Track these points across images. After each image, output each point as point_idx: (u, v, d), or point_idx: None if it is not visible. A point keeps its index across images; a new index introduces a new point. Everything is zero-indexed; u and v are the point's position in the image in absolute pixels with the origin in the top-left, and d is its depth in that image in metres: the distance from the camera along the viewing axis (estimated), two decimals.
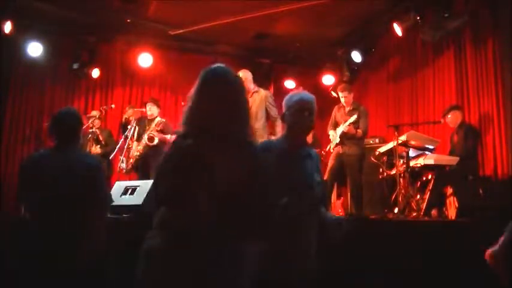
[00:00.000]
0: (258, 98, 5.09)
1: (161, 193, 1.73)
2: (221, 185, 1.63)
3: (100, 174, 2.74)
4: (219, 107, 1.72)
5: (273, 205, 1.80)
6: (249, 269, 1.70)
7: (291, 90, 8.00)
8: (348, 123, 5.42)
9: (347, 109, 5.66)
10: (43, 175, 2.60)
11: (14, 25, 6.16)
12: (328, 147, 5.82)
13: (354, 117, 5.40)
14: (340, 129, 5.52)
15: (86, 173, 2.63)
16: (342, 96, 5.68)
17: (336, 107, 5.87)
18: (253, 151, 1.78)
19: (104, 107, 6.81)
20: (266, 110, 5.13)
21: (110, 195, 2.95)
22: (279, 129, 4.97)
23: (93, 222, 2.60)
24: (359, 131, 5.43)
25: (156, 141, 5.81)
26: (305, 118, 2.32)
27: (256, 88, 5.17)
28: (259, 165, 1.73)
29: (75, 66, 7.12)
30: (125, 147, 5.82)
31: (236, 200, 1.64)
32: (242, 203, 1.65)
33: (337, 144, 5.57)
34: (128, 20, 6.71)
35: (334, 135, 5.64)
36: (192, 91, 1.80)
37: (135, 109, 6.23)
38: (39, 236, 2.54)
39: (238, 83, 1.82)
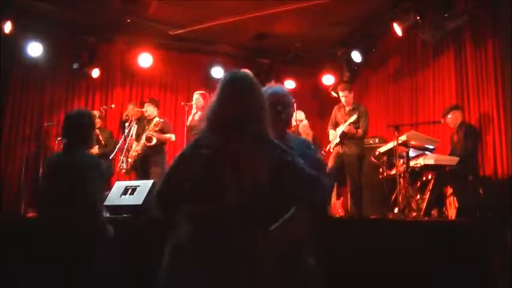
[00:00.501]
0: None
1: (185, 188, 1.77)
2: (246, 179, 1.70)
3: (93, 175, 2.71)
4: (242, 105, 1.83)
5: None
6: (274, 264, 1.73)
7: (291, 90, 8.01)
8: (348, 123, 5.42)
9: (347, 109, 5.66)
10: (49, 175, 2.73)
11: (14, 25, 6.16)
12: (328, 147, 5.82)
13: (354, 117, 5.41)
14: (341, 129, 5.52)
15: (83, 173, 2.65)
16: (342, 96, 5.68)
17: (336, 106, 5.87)
18: (274, 146, 1.82)
19: (104, 107, 6.82)
20: None
21: (99, 198, 2.87)
22: None
23: (84, 222, 2.62)
24: (359, 130, 5.43)
25: (154, 141, 5.82)
26: (278, 113, 2.20)
27: None
28: (282, 159, 1.77)
29: (75, 66, 7.12)
30: (125, 147, 5.83)
31: (261, 194, 1.70)
32: (267, 197, 1.70)
33: (337, 144, 5.57)
34: (128, 20, 6.71)
35: (335, 135, 5.64)
36: (216, 91, 1.90)
37: (136, 109, 6.24)
38: (39, 235, 2.58)
39: (258, 86, 1.93)
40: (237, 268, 1.65)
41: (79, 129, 2.78)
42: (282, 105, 2.22)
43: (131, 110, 6.26)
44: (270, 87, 2.29)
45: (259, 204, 1.70)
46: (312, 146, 2.36)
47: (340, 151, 5.53)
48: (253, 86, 1.90)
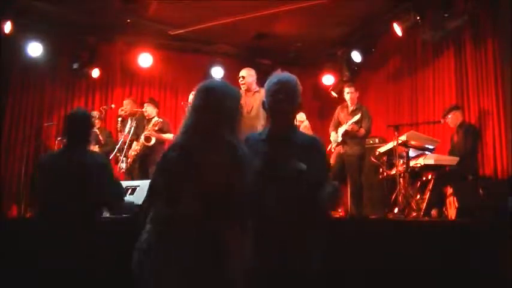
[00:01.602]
0: (258, 98, 5.09)
1: (153, 191, 1.95)
2: (205, 180, 1.82)
3: (106, 172, 2.78)
4: (205, 113, 1.96)
5: (250, 195, 1.88)
6: (236, 260, 1.79)
7: None
8: (351, 122, 5.43)
9: (350, 109, 5.66)
10: (51, 173, 2.69)
11: (14, 25, 6.15)
12: (329, 146, 5.82)
13: (357, 117, 5.42)
14: (343, 128, 5.53)
15: (95, 171, 2.67)
16: (348, 92, 5.69)
17: (339, 107, 5.88)
18: (233, 148, 1.90)
19: (104, 107, 6.81)
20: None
21: (118, 193, 2.96)
22: None
23: (87, 221, 2.63)
24: (361, 130, 5.44)
25: (153, 141, 5.82)
26: (280, 101, 2.10)
27: (258, 88, 5.18)
28: (239, 160, 1.87)
29: (75, 66, 7.12)
30: (125, 147, 5.83)
31: (218, 194, 1.81)
32: (224, 197, 1.80)
33: (338, 144, 5.58)
34: (128, 20, 6.71)
35: (335, 136, 5.64)
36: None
37: (134, 109, 6.23)
38: (43, 233, 2.58)
39: (225, 91, 2.01)
40: (192, 267, 1.75)
41: (81, 128, 2.80)
42: (284, 94, 2.11)
43: (126, 105, 6.27)
44: (276, 75, 2.21)
45: (217, 205, 1.80)
46: (321, 148, 2.24)
47: (341, 151, 5.53)
48: (222, 94, 2.00)
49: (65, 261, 2.49)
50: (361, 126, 5.45)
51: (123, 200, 3.10)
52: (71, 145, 2.79)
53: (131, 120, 6.00)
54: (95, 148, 6.03)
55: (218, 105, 1.96)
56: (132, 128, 5.89)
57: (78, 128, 2.79)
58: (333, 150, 5.71)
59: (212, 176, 1.82)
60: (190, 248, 1.76)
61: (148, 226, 1.87)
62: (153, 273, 1.77)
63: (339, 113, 5.81)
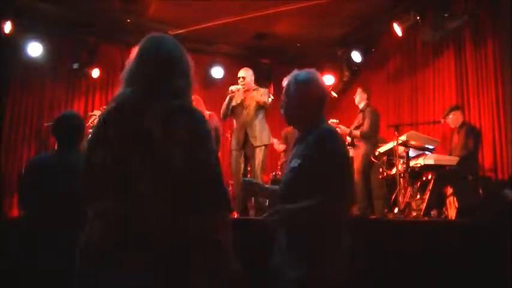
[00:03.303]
0: (256, 96, 5.08)
1: (96, 175, 1.48)
2: (159, 163, 1.42)
3: None
4: (157, 61, 1.63)
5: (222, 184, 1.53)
6: (213, 266, 1.49)
7: None
8: (351, 129, 5.48)
9: (359, 110, 5.71)
10: (43, 176, 2.63)
11: (14, 25, 6.15)
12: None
13: (356, 122, 5.48)
14: (356, 132, 5.56)
15: None
16: (355, 94, 5.77)
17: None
18: (197, 115, 1.54)
19: (104, 107, 6.81)
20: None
21: None
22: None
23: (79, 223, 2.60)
24: (354, 132, 5.45)
25: None
26: (282, 104, 2.05)
27: (255, 86, 5.18)
28: (204, 131, 1.51)
29: (75, 66, 7.12)
30: None
31: (183, 179, 1.42)
32: (190, 183, 1.43)
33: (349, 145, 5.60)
34: (128, 20, 6.71)
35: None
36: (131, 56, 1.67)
37: None
38: (34, 235, 2.56)
39: (172, 43, 1.75)
40: (153, 276, 1.39)
41: (75, 130, 2.78)
42: (285, 95, 2.04)
43: None
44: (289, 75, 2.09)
45: (176, 193, 1.42)
46: (336, 140, 1.98)
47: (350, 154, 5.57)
48: (170, 43, 1.73)
49: (55, 261, 2.48)
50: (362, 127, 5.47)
51: None
52: (62, 147, 2.76)
53: None
54: None
55: (176, 58, 1.69)
56: None
57: (68, 130, 2.75)
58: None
59: (175, 154, 1.41)
60: (151, 251, 1.38)
61: (93, 223, 1.46)
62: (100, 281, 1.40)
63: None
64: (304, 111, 2.00)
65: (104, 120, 1.55)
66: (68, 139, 2.75)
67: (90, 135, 1.60)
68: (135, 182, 1.41)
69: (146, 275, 1.38)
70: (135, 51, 1.70)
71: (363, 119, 5.47)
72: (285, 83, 2.07)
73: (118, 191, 1.44)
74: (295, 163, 1.93)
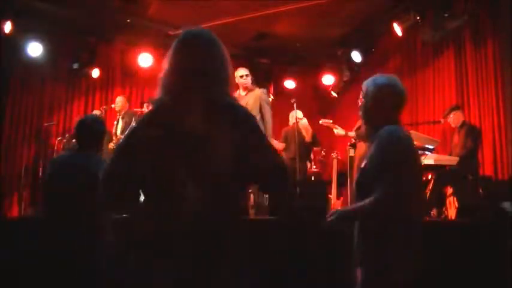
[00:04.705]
0: (252, 96, 5.06)
1: (137, 177, 1.48)
2: (205, 168, 1.43)
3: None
4: (200, 59, 1.55)
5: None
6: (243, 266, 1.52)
7: (291, 90, 8.02)
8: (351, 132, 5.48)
9: None
10: (61, 174, 2.71)
11: (14, 25, 6.15)
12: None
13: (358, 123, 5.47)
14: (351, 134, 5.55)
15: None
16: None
17: None
18: (244, 114, 1.54)
19: (104, 107, 6.81)
20: (260, 109, 4.94)
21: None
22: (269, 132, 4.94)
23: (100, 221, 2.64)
24: (350, 133, 5.45)
25: None
26: (359, 105, 2.16)
27: (252, 86, 5.16)
28: (247, 139, 1.49)
29: (75, 66, 7.11)
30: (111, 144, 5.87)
31: (223, 184, 1.44)
32: (231, 186, 1.46)
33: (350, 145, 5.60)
34: (128, 20, 6.71)
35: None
36: (168, 54, 1.60)
37: (125, 105, 6.31)
38: (50, 235, 2.58)
39: (214, 39, 1.69)
40: (207, 268, 1.44)
41: (90, 134, 2.83)
42: (363, 97, 2.13)
43: (118, 101, 6.32)
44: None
45: (222, 196, 1.45)
46: (392, 139, 1.99)
47: (351, 154, 5.57)
48: (212, 39, 1.66)
49: (70, 260, 2.51)
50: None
51: None
52: (81, 150, 2.82)
53: (122, 119, 6.06)
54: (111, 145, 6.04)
55: (219, 55, 1.61)
56: (120, 126, 5.96)
57: (87, 133, 2.82)
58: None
59: (221, 157, 1.42)
60: (195, 251, 1.42)
61: (144, 222, 1.50)
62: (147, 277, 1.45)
63: None
64: (377, 113, 2.09)
65: (145, 122, 1.56)
66: (87, 142, 2.81)
67: (125, 139, 1.60)
68: (180, 183, 1.43)
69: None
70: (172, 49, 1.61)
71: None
72: (364, 85, 2.15)
73: (163, 192, 1.46)
74: (362, 164, 2.04)
